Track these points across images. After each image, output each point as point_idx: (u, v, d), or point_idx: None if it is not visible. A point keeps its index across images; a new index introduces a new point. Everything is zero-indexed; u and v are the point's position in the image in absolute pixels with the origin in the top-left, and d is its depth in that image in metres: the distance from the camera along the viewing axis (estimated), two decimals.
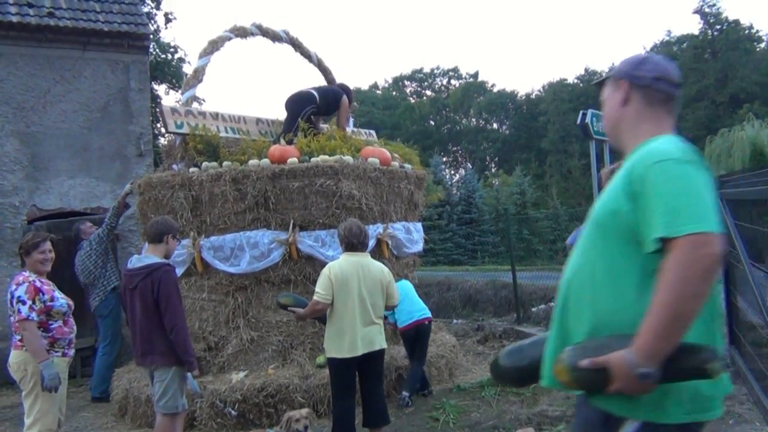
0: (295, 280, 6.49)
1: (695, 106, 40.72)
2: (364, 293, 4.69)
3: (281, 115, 8.10)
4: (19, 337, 4.74)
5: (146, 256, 4.76)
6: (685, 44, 44.72)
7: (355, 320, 4.63)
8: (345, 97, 7.82)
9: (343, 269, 4.68)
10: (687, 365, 1.78)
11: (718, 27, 43.53)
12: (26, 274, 4.79)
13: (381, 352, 4.81)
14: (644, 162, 1.87)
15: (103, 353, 7.52)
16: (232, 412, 5.68)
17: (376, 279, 4.79)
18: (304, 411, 4.74)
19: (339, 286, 4.64)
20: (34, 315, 4.62)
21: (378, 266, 4.90)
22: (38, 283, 4.74)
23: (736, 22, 43.35)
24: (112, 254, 7.84)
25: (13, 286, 4.70)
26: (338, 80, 8.69)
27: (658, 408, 1.85)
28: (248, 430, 5.61)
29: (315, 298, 4.68)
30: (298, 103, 7.42)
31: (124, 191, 8.18)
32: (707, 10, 43.41)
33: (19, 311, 4.59)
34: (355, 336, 4.62)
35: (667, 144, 1.92)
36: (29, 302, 4.62)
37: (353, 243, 4.79)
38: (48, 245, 4.86)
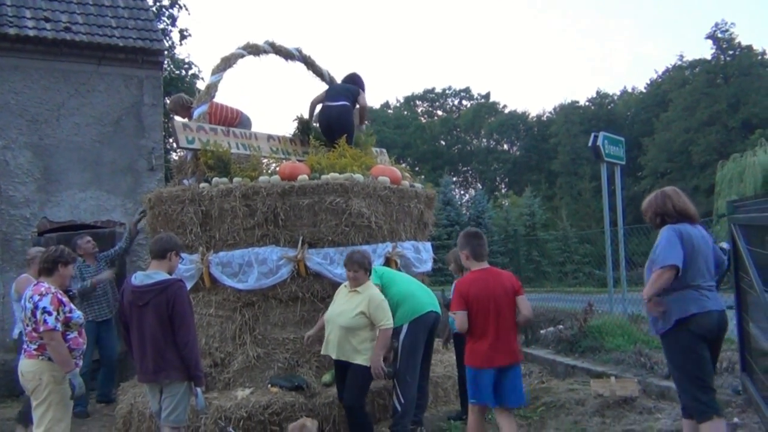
0: (303, 298, 6.46)
1: (707, 131, 40.62)
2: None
3: (291, 131, 8.19)
4: (34, 346, 4.74)
5: (155, 272, 4.74)
6: (697, 69, 44.70)
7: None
8: (362, 94, 8.04)
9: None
10: None
11: (730, 52, 43.56)
12: (47, 285, 4.80)
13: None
14: None
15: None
16: (231, 431, 5.63)
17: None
18: (307, 420, 5.09)
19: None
20: (59, 326, 4.65)
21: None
22: (59, 295, 4.77)
23: (749, 48, 43.40)
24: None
25: (36, 297, 4.69)
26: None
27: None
28: None
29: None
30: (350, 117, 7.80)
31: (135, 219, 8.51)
32: (720, 35, 43.49)
33: (45, 321, 4.60)
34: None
35: None
36: (55, 313, 4.64)
37: None
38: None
